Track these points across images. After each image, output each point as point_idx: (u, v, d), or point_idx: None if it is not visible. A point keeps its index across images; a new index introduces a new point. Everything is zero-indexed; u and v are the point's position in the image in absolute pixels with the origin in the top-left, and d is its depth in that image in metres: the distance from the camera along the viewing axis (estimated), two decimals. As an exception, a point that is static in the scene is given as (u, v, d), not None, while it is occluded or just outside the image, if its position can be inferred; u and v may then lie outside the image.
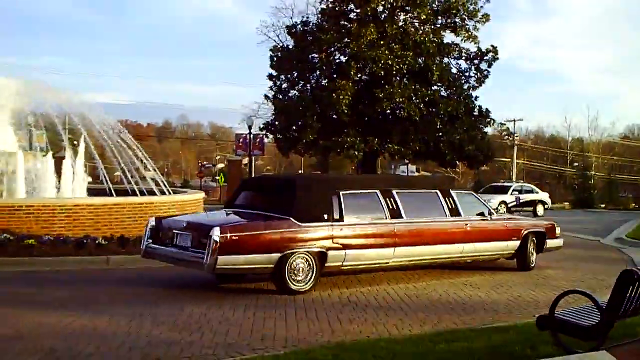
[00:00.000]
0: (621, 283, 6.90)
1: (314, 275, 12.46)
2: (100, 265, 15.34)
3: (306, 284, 12.37)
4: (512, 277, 14.84)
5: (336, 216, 12.90)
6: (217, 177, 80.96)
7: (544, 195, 47.78)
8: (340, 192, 13.17)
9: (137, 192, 21.56)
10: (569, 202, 71.19)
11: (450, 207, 14.70)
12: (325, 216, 12.77)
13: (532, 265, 16.17)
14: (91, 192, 23.11)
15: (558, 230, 17.13)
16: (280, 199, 13.09)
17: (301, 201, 12.80)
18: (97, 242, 16.34)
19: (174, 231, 12.76)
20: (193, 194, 23.58)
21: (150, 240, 13.13)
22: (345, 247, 12.85)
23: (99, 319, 9.91)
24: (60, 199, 19.87)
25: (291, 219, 12.41)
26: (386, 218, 13.58)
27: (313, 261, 12.44)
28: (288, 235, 12.27)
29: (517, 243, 15.78)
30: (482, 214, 15.42)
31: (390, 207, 13.70)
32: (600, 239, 24.96)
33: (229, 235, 11.64)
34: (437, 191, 14.94)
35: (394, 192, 14.02)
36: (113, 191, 21.92)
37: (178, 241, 12.58)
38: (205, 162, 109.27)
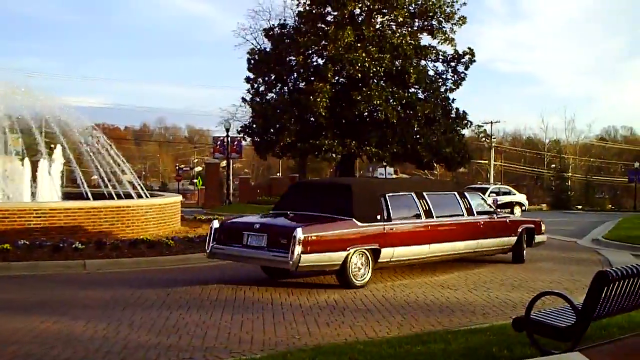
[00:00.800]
0: (596, 284, 6.93)
1: (369, 271, 13.64)
2: (77, 270, 15.25)
3: (363, 279, 13.50)
4: (489, 278, 14.90)
5: (385, 217, 14.14)
6: (195, 180, 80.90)
7: (521, 197, 48.09)
8: (387, 194, 14.50)
9: (114, 196, 21.49)
10: (547, 203, 71.71)
11: (466, 207, 16.26)
12: (378, 217, 14.02)
13: (524, 258, 17.81)
14: (68, 195, 23.02)
15: (543, 227, 18.94)
16: (339, 201, 14.22)
17: (359, 203, 13.97)
18: (73, 246, 16.26)
19: (244, 232, 13.58)
20: (170, 197, 23.51)
21: (214, 242, 13.98)
22: (394, 244, 14.08)
23: (76, 324, 9.86)
24: (36, 203, 19.77)
25: (353, 219, 13.59)
26: (422, 218, 14.90)
27: (370, 258, 13.63)
28: (353, 235, 13.48)
29: (515, 238, 17.48)
30: (488, 212, 17.17)
31: (424, 208, 15.05)
32: (578, 240, 25.08)
33: (310, 235, 12.72)
34: (456, 193, 16.66)
35: (425, 194, 15.40)
36: (90, 195, 21.84)
37: (249, 242, 13.45)
38: (183, 165, 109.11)
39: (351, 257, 13.19)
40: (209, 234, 14.17)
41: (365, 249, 13.48)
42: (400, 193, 15.06)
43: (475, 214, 16.36)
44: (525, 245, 17.82)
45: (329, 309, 11.32)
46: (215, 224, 14.27)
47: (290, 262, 12.53)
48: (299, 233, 12.51)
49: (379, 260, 13.81)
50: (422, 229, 14.76)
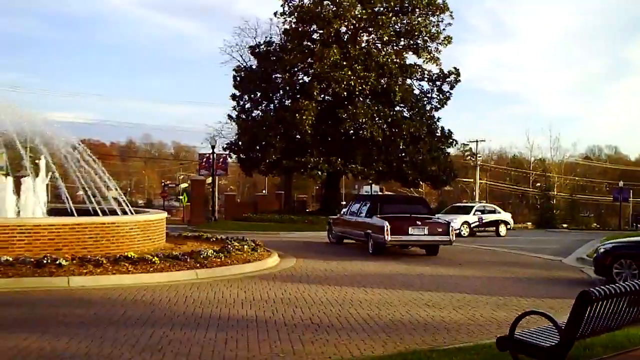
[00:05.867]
0: (579, 304, 6.93)
1: None
2: (61, 286, 15.14)
3: None
4: (473, 296, 14.90)
5: None
6: (181, 197, 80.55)
7: (506, 216, 48.03)
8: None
9: (99, 212, 21.36)
10: (532, 222, 71.66)
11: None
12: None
13: None
14: (53, 212, 22.85)
15: None
16: (424, 207, 26.17)
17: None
18: (57, 262, 16.10)
19: (409, 227, 23.58)
20: (155, 214, 23.36)
21: (390, 236, 23.04)
22: None
23: (58, 341, 9.77)
24: (19, 219, 19.63)
25: (438, 217, 26.32)
26: None
27: None
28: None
29: None
30: None
31: None
32: (562, 259, 25.12)
33: (452, 225, 24.51)
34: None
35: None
36: (74, 211, 21.69)
37: (412, 232, 23.55)
38: (168, 182, 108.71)
39: None
40: (384, 230, 22.99)
41: None
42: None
43: None
44: None
45: (313, 326, 11.28)
46: (386, 225, 22.96)
47: (450, 241, 24.03)
48: (453, 223, 24.38)
49: None
50: None
